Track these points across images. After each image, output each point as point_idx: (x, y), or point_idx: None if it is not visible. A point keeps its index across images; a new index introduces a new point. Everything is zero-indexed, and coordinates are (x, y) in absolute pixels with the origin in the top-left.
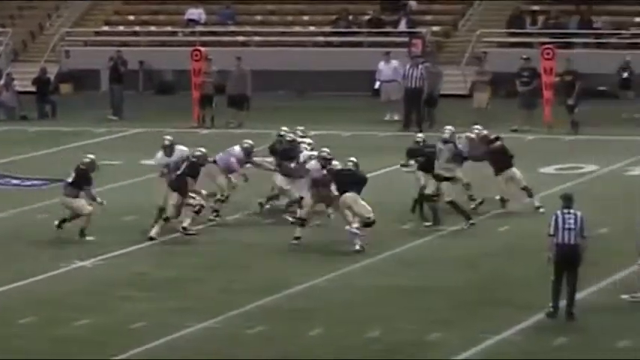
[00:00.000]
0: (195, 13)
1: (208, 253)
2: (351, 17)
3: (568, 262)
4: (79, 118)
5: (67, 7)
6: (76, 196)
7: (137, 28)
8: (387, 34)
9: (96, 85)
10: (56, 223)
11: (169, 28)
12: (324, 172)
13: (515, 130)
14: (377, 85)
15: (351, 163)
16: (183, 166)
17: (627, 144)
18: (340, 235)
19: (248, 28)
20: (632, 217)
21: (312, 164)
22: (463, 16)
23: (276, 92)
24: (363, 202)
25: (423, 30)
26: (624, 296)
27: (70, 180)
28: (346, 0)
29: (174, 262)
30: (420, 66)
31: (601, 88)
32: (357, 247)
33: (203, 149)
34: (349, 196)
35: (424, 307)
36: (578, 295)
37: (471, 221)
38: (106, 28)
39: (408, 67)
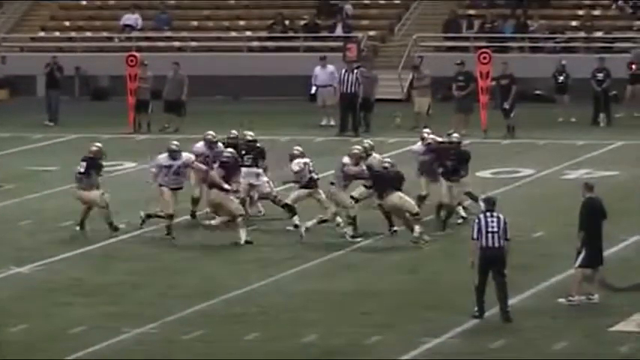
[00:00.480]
0: (132, 18)
1: (145, 258)
2: (287, 22)
3: (493, 265)
4: (15, 123)
5: (3, 12)
6: (91, 189)
7: (73, 34)
8: (322, 38)
9: (32, 91)
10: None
11: (105, 34)
12: (363, 168)
13: (450, 134)
14: (313, 89)
15: (387, 163)
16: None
17: (563, 148)
18: (277, 238)
19: (184, 34)
20: (569, 221)
21: (346, 160)
22: (399, 20)
23: (213, 97)
24: (407, 198)
25: (359, 35)
26: (561, 299)
27: (81, 170)
28: (282, 5)
29: (112, 267)
30: (355, 71)
31: (537, 92)
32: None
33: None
34: (395, 195)
35: (363, 311)
36: (515, 299)
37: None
38: (42, 34)
39: (343, 71)
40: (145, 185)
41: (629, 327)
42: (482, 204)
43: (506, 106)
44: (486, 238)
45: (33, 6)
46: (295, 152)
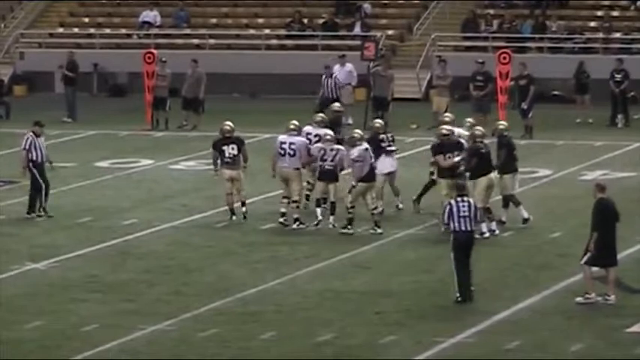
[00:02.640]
0: (150, 15)
1: (161, 255)
2: (305, 20)
3: (465, 247)
4: (33, 119)
5: (22, 8)
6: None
7: (92, 30)
8: (341, 37)
9: (50, 87)
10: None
11: (124, 31)
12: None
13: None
14: None
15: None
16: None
17: (581, 149)
18: (293, 237)
19: (203, 31)
20: (586, 222)
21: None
22: (418, 19)
23: (230, 95)
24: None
25: (377, 34)
26: (578, 299)
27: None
28: (300, 4)
29: (127, 264)
30: (333, 75)
31: (555, 92)
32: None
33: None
34: (494, 176)
35: (377, 311)
36: (532, 299)
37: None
38: (60, 30)
39: (323, 77)
40: (158, 183)
41: None
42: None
43: (525, 106)
44: (458, 222)
45: (52, 2)
46: (356, 136)
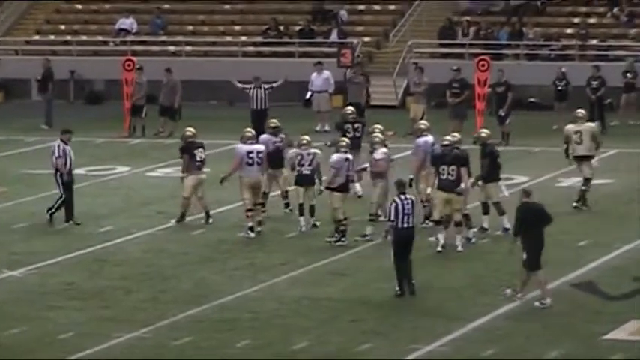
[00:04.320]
0: (127, 22)
1: (138, 262)
2: (282, 27)
3: (407, 243)
4: (9, 127)
5: None
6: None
7: (68, 38)
8: (317, 44)
9: (27, 94)
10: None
11: (100, 38)
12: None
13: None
14: (308, 95)
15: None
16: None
17: (558, 155)
18: (269, 244)
19: (179, 38)
20: (563, 229)
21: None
22: (394, 26)
23: (208, 102)
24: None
25: (354, 41)
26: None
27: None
28: (277, 10)
29: (105, 271)
30: (262, 86)
31: (532, 99)
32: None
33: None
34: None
35: (353, 318)
36: (507, 306)
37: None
38: (37, 37)
39: (252, 87)
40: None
41: (622, 335)
42: (395, 186)
43: (502, 113)
44: (402, 219)
45: (28, 9)
46: (376, 139)
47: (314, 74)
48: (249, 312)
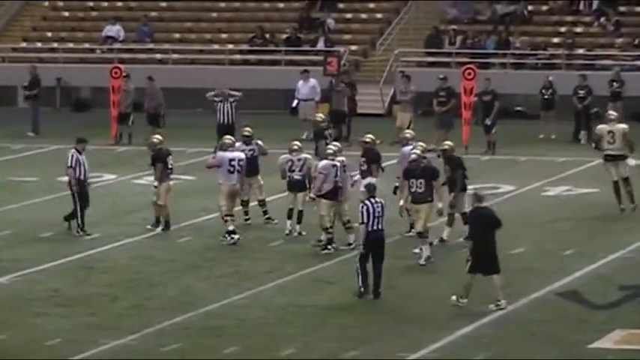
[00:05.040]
0: (114, 30)
1: (124, 269)
2: (268, 35)
3: (377, 246)
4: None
5: None
6: None
7: (55, 45)
8: (304, 52)
9: (13, 102)
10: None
11: (87, 45)
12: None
13: (431, 150)
14: (294, 103)
15: None
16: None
17: (544, 164)
18: (255, 252)
19: (166, 46)
20: (549, 238)
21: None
22: (381, 35)
23: (195, 110)
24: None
25: (340, 49)
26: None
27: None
28: (264, 18)
29: (91, 278)
30: (230, 99)
31: (518, 108)
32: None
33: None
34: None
35: (340, 326)
36: (494, 315)
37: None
38: (23, 45)
39: (218, 100)
40: (122, 197)
41: (608, 344)
42: (365, 190)
43: (488, 122)
44: (373, 222)
45: (15, 16)
46: (408, 136)
47: (300, 82)
48: (235, 319)
